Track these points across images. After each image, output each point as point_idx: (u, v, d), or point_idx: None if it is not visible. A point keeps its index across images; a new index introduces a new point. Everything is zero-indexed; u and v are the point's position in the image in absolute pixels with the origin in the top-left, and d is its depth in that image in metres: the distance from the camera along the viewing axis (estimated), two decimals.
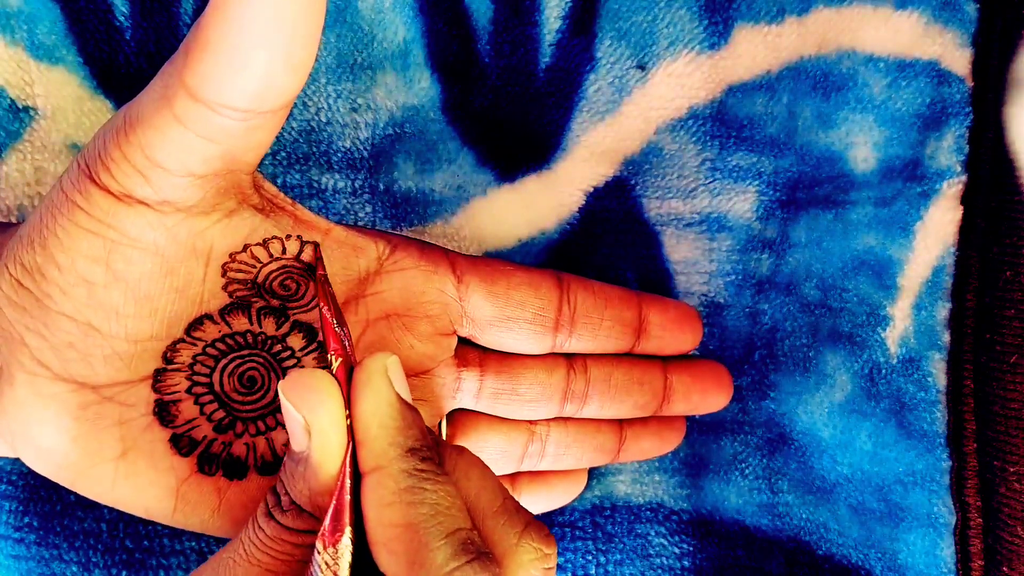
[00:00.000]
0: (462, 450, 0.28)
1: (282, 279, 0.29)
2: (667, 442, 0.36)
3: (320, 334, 0.27)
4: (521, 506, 0.28)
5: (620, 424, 0.35)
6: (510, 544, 0.26)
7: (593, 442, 0.34)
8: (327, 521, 0.24)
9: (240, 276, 0.28)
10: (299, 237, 0.29)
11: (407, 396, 0.26)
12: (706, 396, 0.35)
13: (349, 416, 0.25)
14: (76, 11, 0.33)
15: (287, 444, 0.26)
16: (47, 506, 0.33)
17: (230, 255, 0.28)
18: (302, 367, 0.29)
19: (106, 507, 0.34)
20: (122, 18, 0.33)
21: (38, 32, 0.33)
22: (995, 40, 0.35)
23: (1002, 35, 0.35)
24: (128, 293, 0.26)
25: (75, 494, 0.33)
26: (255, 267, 0.29)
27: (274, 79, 0.23)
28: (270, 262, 0.29)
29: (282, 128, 0.34)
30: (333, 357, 0.26)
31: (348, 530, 0.24)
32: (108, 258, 0.26)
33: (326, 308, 0.27)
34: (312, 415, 0.24)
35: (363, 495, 0.24)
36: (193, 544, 0.34)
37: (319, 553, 0.23)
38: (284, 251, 0.29)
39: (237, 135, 0.24)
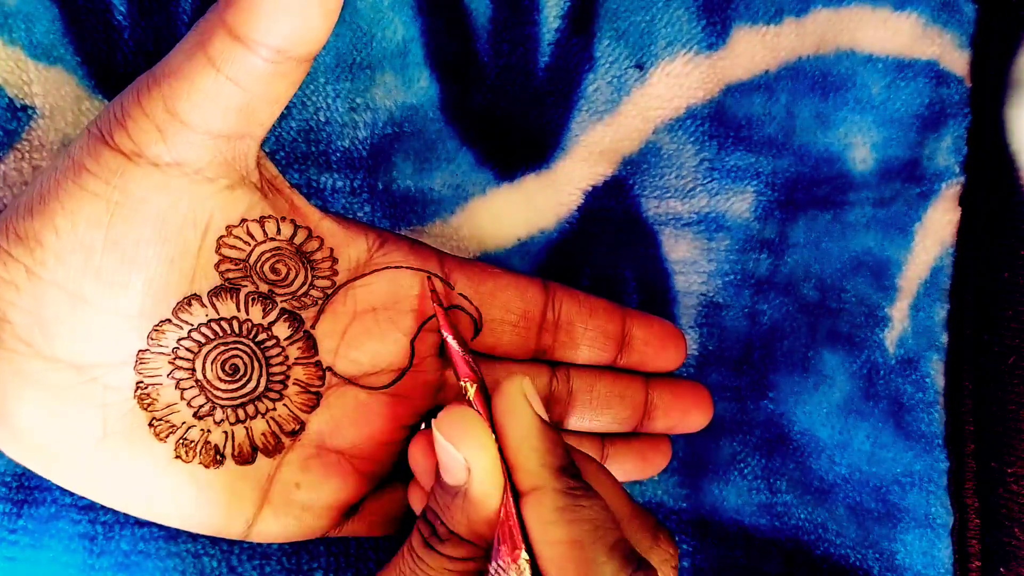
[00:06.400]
0: (590, 460, 0.29)
1: (273, 262, 0.29)
2: (651, 464, 0.36)
3: (450, 364, 0.29)
4: (645, 509, 0.29)
5: (602, 441, 0.35)
6: (646, 548, 0.28)
7: None
8: (502, 543, 0.26)
9: (233, 254, 0.29)
10: (293, 221, 0.30)
11: (545, 416, 0.28)
12: (686, 415, 0.35)
13: (496, 441, 0.27)
14: (74, 10, 0.33)
15: (439, 478, 0.27)
16: (41, 508, 0.33)
17: (227, 228, 0.28)
18: (286, 356, 0.30)
19: (101, 509, 0.33)
20: (120, 17, 0.33)
21: (36, 31, 0.33)
22: (994, 41, 0.36)
23: (1001, 36, 0.36)
24: (124, 261, 0.26)
25: (70, 496, 0.33)
26: (249, 244, 0.29)
27: (309, 21, 0.25)
28: (264, 241, 0.29)
29: (281, 128, 0.35)
30: (468, 384, 0.28)
31: (524, 547, 0.26)
32: (109, 222, 0.26)
33: (451, 336, 0.29)
34: (471, 453, 0.26)
35: (524, 515, 0.26)
36: (189, 546, 0.34)
37: (503, 571, 0.26)
38: (279, 232, 0.30)
39: (263, 80, 0.25)
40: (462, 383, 0.28)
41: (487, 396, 0.28)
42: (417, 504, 0.30)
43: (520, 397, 0.27)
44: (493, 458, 0.26)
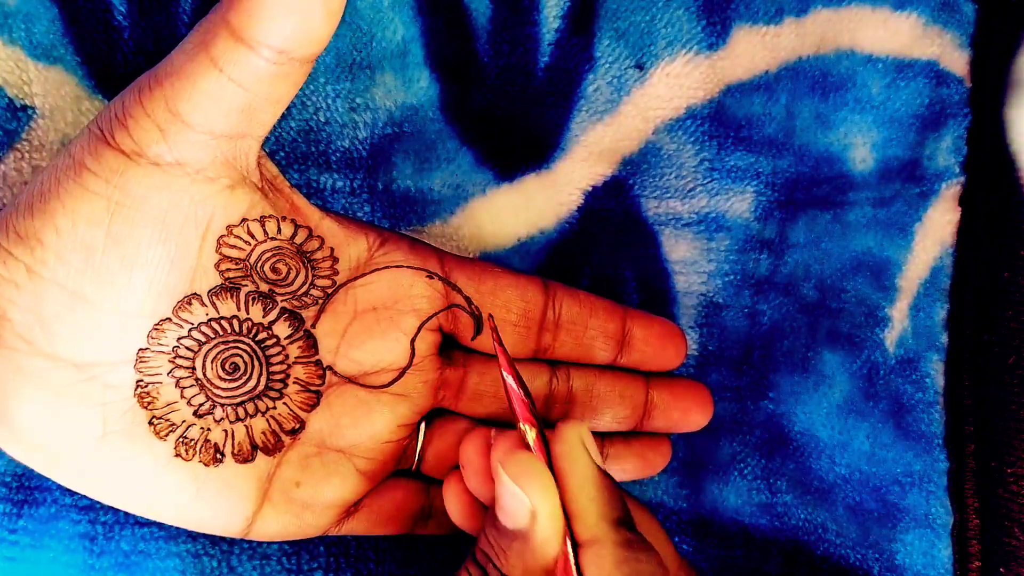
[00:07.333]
0: (641, 509, 0.30)
1: (274, 261, 0.30)
2: (650, 465, 0.36)
3: (508, 402, 0.28)
4: (688, 561, 0.30)
5: (602, 441, 0.35)
6: None
7: None
8: None
9: (234, 253, 0.29)
10: (293, 221, 0.30)
11: (602, 464, 0.28)
12: (686, 414, 0.35)
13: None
14: (74, 10, 0.33)
15: (495, 520, 0.27)
16: (42, 508, 0.33)
17: (227, 227, 0.28)
18: (287, 355, 0.30)
19: (101, 509, 0.34)
20: (120, 17, 0.33)
21: (36, 31, 0.33)
22: (994, 41, 0.36)
23: (1001, 36, 0.36)
24: (124, 260, 0.27)
25: (70, 496, 0.33)
26: (249, 244, 0.29)
27: (311, 22, 0.25)
28: (264, 241, 0.29)
29: (281, 128, 0.35)
30: (528, 428, 0.27)
31: None
32: (110, 221, 0.26)
33: (512, 378, 0.28)
34: (537, 498, 0.26)
35: (583, 565, 0.26)
36: (189, 546, 0.34)
37: None
38: (279, 231, 0.30)
39: (265, 81, 0.26)
40: (521, 427, 0.28)
41: (545, 441, 0.28)
42: (453, 505, 0.30)
43: (579, 445, 0.27)
44: (556, 505, 0.26)
